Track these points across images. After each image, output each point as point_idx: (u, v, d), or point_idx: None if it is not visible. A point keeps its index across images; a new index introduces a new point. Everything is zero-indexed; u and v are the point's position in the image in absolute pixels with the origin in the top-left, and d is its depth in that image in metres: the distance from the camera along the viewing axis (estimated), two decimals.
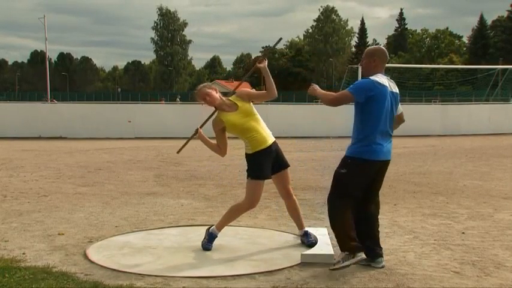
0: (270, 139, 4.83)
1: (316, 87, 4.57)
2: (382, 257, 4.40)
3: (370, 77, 4.28)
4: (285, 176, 4.95)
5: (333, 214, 4.32)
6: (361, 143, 4.27)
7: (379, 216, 6.29)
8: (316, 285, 3.96)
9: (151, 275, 4.15)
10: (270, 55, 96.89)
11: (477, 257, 4.67)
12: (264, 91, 4.99)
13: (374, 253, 4.38)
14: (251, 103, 4.86)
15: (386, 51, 4.53)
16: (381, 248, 4.45)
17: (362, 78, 4.45)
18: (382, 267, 4.34)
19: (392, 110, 4.36)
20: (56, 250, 4.84)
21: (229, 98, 4.89)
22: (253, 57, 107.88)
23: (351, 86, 4.32)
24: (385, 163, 4.39)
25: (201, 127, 5.14)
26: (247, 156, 4.85)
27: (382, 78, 4.28)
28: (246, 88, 5.01)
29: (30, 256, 4.62)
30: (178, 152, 5.50)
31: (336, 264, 4.20)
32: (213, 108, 5.00)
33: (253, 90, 5.01)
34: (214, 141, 5.04)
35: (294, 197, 5.06)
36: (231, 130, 4.86)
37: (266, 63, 4.80)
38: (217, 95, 4.91)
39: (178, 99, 41.10)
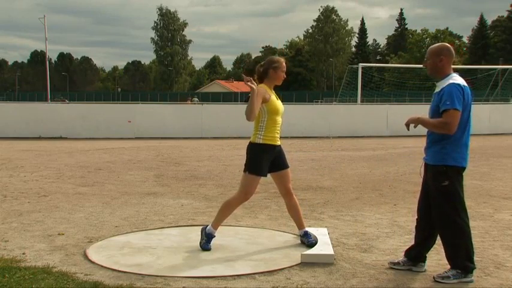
0: (279, 140, 4.89)
1: (415, 116, 4.19)
2: (425, 261, 4.27)
3: (454, 82, 4.01)
4: (285, 176, 4.97)
5: (455, 231, 4.04)
6: (448, 149, 4.02)
7: (379, 216, 6.31)
8: (316, 285, 3.96)
9: (151, 275, 4.14)
10: (270, 55, 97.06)
11: (477, 257, 4.66)
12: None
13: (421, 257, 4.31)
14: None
15: (452, 48, 4.21)
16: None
17: (437, 80, 4.15)
18: (425, 271, 4.26)
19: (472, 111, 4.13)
20: (56, 250, 4.84)
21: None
22: (253, 57, 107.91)
23: (448, 101, 3.91)
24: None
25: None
26: (253, 146, 4.80)
27: (461, 79, 4.06)
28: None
29: (30, 256, 4.62)
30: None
31: (444, 278, 4.00)
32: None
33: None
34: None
35: (295, 196, 5.06)
36: (268, 111, 4.76)
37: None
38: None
39: (195, 100, 40.44)
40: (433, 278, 4.08)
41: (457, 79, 4.04)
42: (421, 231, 4.31)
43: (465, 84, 4.04)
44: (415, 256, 4.31)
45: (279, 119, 4.87)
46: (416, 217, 4.39)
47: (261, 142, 4.77)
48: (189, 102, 32.25)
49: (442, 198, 4.02)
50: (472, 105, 4.17)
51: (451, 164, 4.00)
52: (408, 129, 4.27)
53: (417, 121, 4.13)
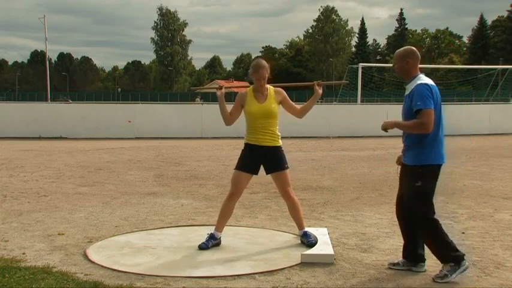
0: (266, 142, 4.91)
1: (391, 120, 4.26)
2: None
3: (422, 82, 4.09)
4: (280, 178, 4.98)
5: (433, 228, 4.12)
6: (427, 149, 4.10)
7: (379, 216, 6.31)
8: (316, 285, 3.96)
9: (151, 275, 4.14)
10: (269, 55, 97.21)
11: (477, 257, 4.67)
12: (297, 107, 5.09)
13: (419, 257, 4.32)
14: (279, 105, 4.97)
15: (417, 51, 4.33)
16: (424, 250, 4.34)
17: (406, 82, 4.23)
18: (425, 271, 4.27)
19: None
20: (56, 250, 4.84)
21: (271, 87, 4.98)
22: (253, 57, 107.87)
23: (419, 102, 3.99)
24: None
25: (225, 88, 5.20)
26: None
27: (428, 79, 4.15)
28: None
29: (30, 256, 4.62)
30: (193, 90, 5.61)
31: (443, 278, 4.02)
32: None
33: (289, 99, 5.06)
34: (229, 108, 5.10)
35: (295, 197, 5.07)
36: (245, 113, 4.99)
37: (321, 91, 5.02)
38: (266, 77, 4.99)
39: (198, 99, 40.51)
40: (432, 279, 4.08)
41: (424, 79, 4.15)
42: (404, 232, 4.40)
43: (433, 83, 4.15)
44: (411, 256, 4.32)
45: (256, 121, 4.90)
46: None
47: (245, 142, 5.02)
48: (196, 102, 32.21)
49: (415, 198, 4.12)
50: (443, 105, 4.27)
51: (428, 163, 4.09)
52: (387, 131, 4.35)
53: (393, 125, 4.22)
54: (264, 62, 4.97)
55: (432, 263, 4.44)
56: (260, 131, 4.91)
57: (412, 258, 4.31)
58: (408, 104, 4.14)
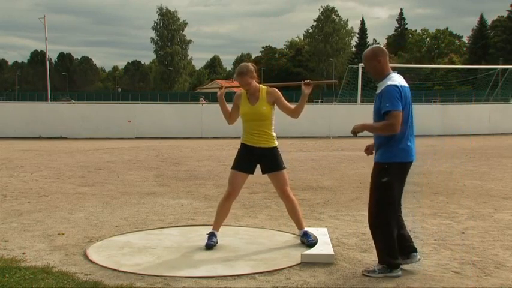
0: (261, 143, 4.91)
1: (362, 124, 4.28)
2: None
3: (391, 83, 4.10)
4: (277, 178, 4.98)
5: (385, 228, 4.18)
6: (394, 147, 4.13)
7: None
8: (316, 285, 3.96)
9: (151, 275, 4.14)
10: (270, 55, 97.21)
11: (477, 257, 4.67)
12: (291, 107, 5.01)
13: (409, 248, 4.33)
14: (273, 106, 4.94)
15: (384, 48, 4.40)
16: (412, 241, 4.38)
17: (378, 81, 4.24)
18: (419, 259, 4.30)
19: (412, 107, 4.26)
20: (56, 250, 4.83)
21: (263, 87, 4.96)
22: (253, 57, 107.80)
23: (387, 103, 4.02)
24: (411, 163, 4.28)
25: (225, 88, 5.26)
26: None
27: (399, 78, 4.17)
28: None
29: (30, 256, 4.62)
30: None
31: (370, 272, 4.14)
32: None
33: (283, 99, 4.99)
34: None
35: (293, 197, 5.07)
36: (240, 110, 5.02)
37: (310, 90, 4.97)
38: (253, 80, 4.96)
39: (202, 99, 40.62)
40: (361, 272, 4.19)
41: (395, 79, 4.15)
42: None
43: (403, 84, 4.15)
44: (401, 249, 4.31)
45: (249, 122, 4.93)
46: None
47: (241, 141, 5.07)
48: (202, 102, 32.19)
49: (379, 194, 4.17)
50: (413, 105, 4.29)
51: (394, 161, 4.13)
52: (356, 136, 4.38)
53: (362, 128, 4.26)
54: (245, 68, 4.91)
55: (433, 263, 4.44)
56: (254, 132, 4.93)
57: (402, 252, 4.31)
58: (378, 104, 4.18)
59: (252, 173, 5.03)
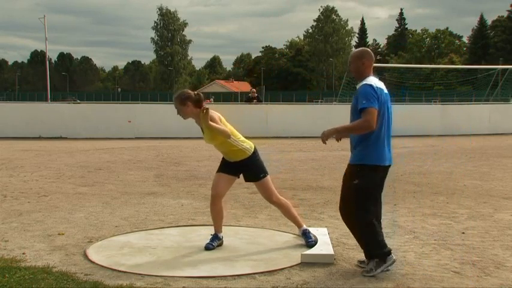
0: (234, 158, 4.87)
1: (330, 129, 4.29)
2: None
3: (367, 83, 4.20)
4: (261, 187, 4.95)
5: (364, 227, 4.24)
6: (368, 149, 4.16)
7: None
8: (316, 285, 3.96)
9: (151, 275, 4.14)
10: (270, 55, 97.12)
11: (477, 257, 4.67)
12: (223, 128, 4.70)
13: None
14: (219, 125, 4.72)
15: (372, 52, 4.47)
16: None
17: (358, 81, 4.34)
18: (394, 261, 4.30)
19: (391, 112, 4.32)
20: (56, 250, 4.83)
21: (205, 112, 4.63)
22: (253, 57, 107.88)
23: (364, 100, 4.07)
24: (388, 168, 4.31)
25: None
26: None
27: (375, 80, 4.26)
28: (216, 112, 4.80)
29: (30, 256, 4.62)
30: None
31: (368, 272, 4.16)
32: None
33: (218, 122, 4.72)
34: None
35: (282, 201, 5.04)
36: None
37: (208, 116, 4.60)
38: (189, 109, 4.74)
39: (212, 100, 40.57)
40: (361, 273, 4.21)
41: (371, 80, 4.22)
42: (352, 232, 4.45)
43: (379, 85, 4.21)
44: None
45: (215, 146, 4.93)
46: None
47: None
48: (208, 101, 32.15)
49: (349, 196, 4.23)
50: (392, 106, 4.35)
51: (367, 163, 4.16)
52: (325, 143, 4.38)
53: (334, 132, 4.28)
54: (177, 98, 4.74)
55: (433, 263, 4.44)
56: (223, 152, 4.94)
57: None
58: (355, 103, 4.23)
59: (237, 176, 4.98)
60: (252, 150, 4.91)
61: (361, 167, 4.17)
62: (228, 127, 4.79)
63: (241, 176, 5.01)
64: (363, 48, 4.53)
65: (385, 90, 4.26)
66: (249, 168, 4.90)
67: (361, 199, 4.18)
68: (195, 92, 4.88)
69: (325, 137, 4.27)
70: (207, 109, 4.62)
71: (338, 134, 4.29)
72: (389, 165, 4.29)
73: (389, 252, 4.22)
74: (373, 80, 4.24)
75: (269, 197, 4.99)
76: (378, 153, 4.17)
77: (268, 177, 4.95)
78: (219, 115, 4.79)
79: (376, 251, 4.20)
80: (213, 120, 4.65)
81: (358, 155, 4.22)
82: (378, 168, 4.18)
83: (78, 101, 34.23)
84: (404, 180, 8.99)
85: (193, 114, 4.78)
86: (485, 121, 21.82)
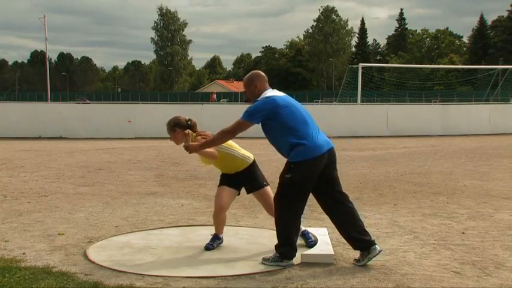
0: (234, 170, 4.93)
1: (194, 145, 4.66)
2: (375, 244, 4.40)
3: (261, 98, 4.42)
4: (263, 196, 4.93)
5: (285, 220, 4.44)
6: (300, 147, 4.31)
7: (379, 216, 6.31)
8: (316, 285, 3.96)
9: (151, 275, 4.14)
10: (269, 55, 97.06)
11: (477, 257, 4.67)
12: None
13: (365, 243, 4.41)
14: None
15: (261, 72, 4.65)
16: (370, 235, 4.48)
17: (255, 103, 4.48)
18: (380, 251, 4.38)
19: (304, 108, 4.50)
20: (56, 250, 4.84)
21: (193, 134, 4.88)
22: (253, 57, 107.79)
23: (244, 113, 4.41)
24: (330, 151, 4.44)
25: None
26: None
27: (272, 92, 4.45)
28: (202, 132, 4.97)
29: (30, 256, 4.62)
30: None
31: (265, 260, 4.41)
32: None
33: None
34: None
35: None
36: None
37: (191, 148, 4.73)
38: (179, 135, 4.99)
39: (224, 100, 40.30)
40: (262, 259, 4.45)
41: (266, 93, 4.45)
42: (333, 222, 4.58)
43: (275, 94, 4.43)
44: (355, 244, 4.45)
45: (214, 164, 5.03)
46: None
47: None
48: (213, 98, 32.00)
49: (282, 189, 4.39)
50: (300, 105, 4.53)
51: (296, 160, 4.33)
52: (190, 153, 4.73)
53: (199, 148, 4.62)
54: (167, 125, 5.10)
55: (433, 263, 4.44)
56: (223, 168, 5.01)
57: (360, 247, 4.43)
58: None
59: (239, 190, 4.98)
60: (252, 159, 4.97)
61: (294, 164, 4.33)
62: (228, 143, 4.82)
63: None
64: (252, 72, 4.68)
65: (283, 94, 4.48)
66: (251, 177, 4.92)
67: (291, 192, 4.36)
68: (187, 118, 4.99)
69: (191, 151, 4.72)
70: (188, 134, 4.81)
71: (201, 149, 4.64)
72: (330, 149, 4.43)
73: (290, 257, 4.38)
74: (268, 93, 4.45)
75: (271, 205, 4.93)
76: (303, 149, 4.31)
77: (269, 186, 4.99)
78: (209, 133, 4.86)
79: (281, 248, 4.41)
80: (198, 142, 4.77)
81: (292, 154, 4.35)
82: (306, 162, 4.31)
83: (88, 101, 34.19)
84: (404, 180, 8.99)
85: (183, 140, 4.87)
86: (485, 121, 21.83)
